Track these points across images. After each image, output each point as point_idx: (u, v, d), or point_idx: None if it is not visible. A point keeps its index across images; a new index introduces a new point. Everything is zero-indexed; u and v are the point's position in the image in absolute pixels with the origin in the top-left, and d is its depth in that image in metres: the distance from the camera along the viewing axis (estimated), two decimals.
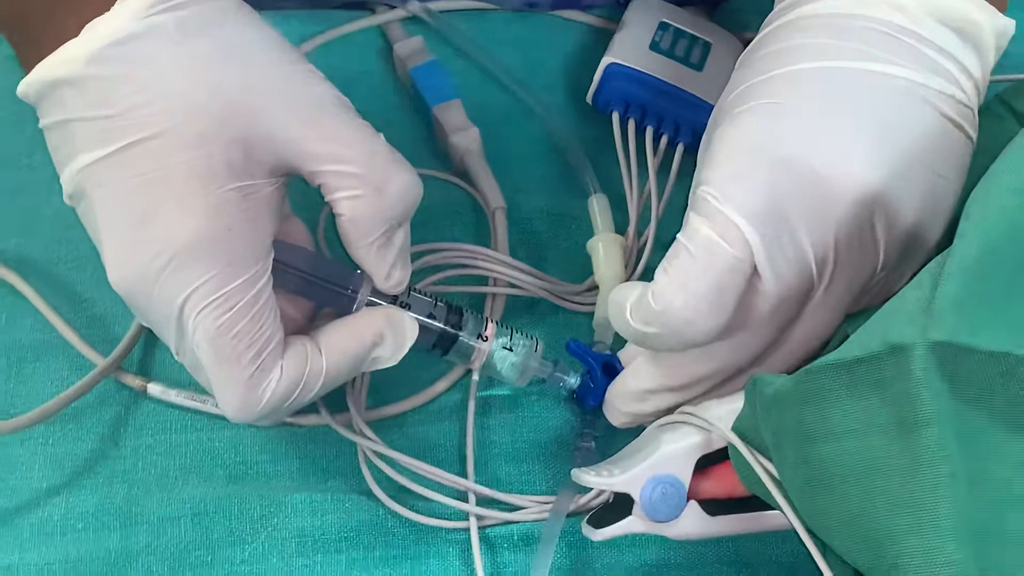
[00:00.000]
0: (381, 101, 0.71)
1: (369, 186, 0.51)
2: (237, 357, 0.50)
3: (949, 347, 0.40)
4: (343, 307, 0.56)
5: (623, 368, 0.59)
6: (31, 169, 0.68)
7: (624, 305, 0.52)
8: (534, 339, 0.60)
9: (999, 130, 0.56)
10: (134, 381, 0.62)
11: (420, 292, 0.58)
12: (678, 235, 0.51)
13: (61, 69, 0.48)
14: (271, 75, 0.51)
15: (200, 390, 0.62)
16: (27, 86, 0.50)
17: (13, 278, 0.64)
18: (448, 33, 0.73)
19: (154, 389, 0.62)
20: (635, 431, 0.57)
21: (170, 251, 0.49)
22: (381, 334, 0.54)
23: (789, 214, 0.49)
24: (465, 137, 0.68)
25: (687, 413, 0.53)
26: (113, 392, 0.63)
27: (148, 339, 0.64)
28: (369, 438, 0.60)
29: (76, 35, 0.48)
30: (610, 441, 0.61)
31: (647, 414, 0.57)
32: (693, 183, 0.52)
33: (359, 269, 0.55)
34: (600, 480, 0.52)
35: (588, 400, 0.60)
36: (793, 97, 0.51)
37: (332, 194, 0.51)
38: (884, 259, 0.51)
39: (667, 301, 0.50)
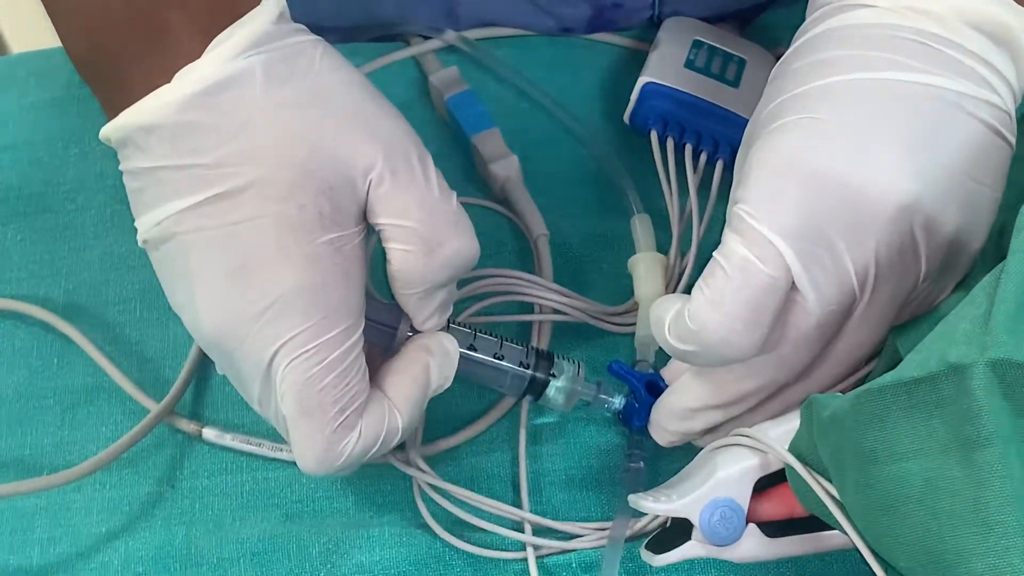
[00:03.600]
0: (419, 132, 0.70)
1: (421, 244, 0.51)
2: (322, 412, 0.50)
3: (1008, 365, 0.39)
4: (384, 342, 0.56)
5: (667, 386, 0.59)
6: (76, 213, 0.69)
7: (663, 320, 0.53)
8: (576, 363, 0.60)
9: None
10: (189, 426, 0.62)
11: (460, 324, 0.59)
12: (715, 253, 0.51)
13: (151, 116, 0.49)
14: (354, 121, 0.51)
15: (256, 432, 0.62)
16: (112, 131, 0.50)
17: (62, 324, 0.65)
18: (486, 61, 0.73)
19: (209, 434, 0.62)
20: (684, 451, 0.57)
21: (267, 300, 0.49)
22: (429, 366, 0.55)
23: (827, 230, 0.49)
24: (504, 165, 0.68)
25: (742, 435, 0.53)
26: (167, 435, 0.63)
27: (199, 381, 0.64)
28: (425, 471, 0.60)
29: (166, 80, 0.49)
30: (659, 461, 0.61)
31: (693, 432, 0.57)
32: (730, 200, 0.52)
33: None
34: (658, 506, 0.52)
35: (634, 420, 0.60)
36: (827, 111, 0.50)
37: (386, 242, 0.52)
38: (927, 269, 0.51)
39: (702, 321, 0.50)
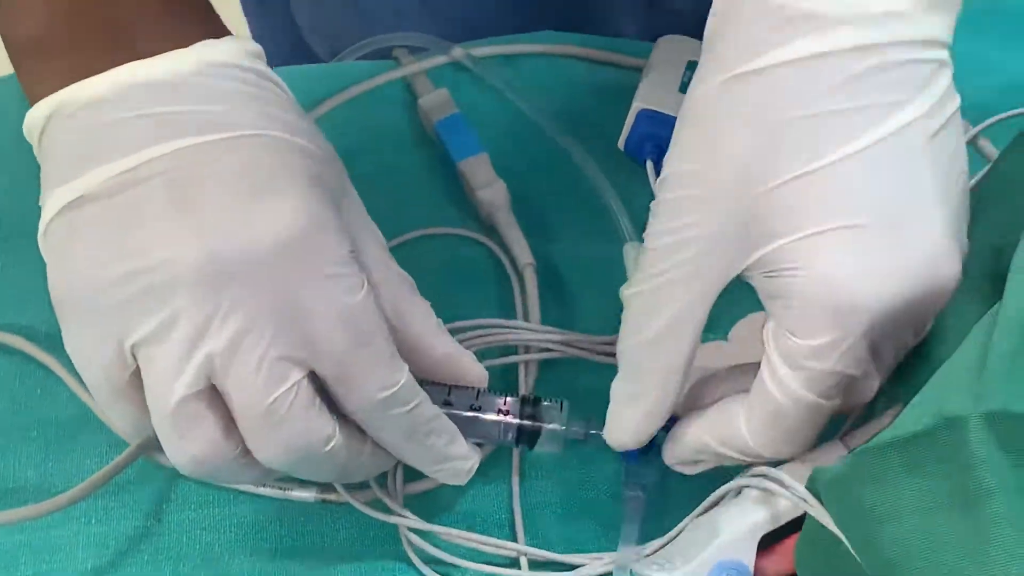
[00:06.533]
0: (408, 156, 0.70)
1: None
2: (374, 336, 0.50)
3: (1004, 416, 0.39)
4: None
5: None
6: None
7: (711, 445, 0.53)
8: (559, 402, 0.58)
9: None
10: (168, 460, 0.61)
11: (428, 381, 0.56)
12: (767, 378, 0.49)
13: (160, 72, 0.47)
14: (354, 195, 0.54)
15: None
16: (99, 85, 0.47)
17: (44, 356, 0.64)
18: (490, 79, 0.72)
19: None
20: (684, 481, 0.57)
21: (292, 228, 0.47)
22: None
23: (892, 336, 0.48)
24: (491, 192, 0.67)
25: (760, 476, 0.52)
26: (151, 468, 0.62)
27: None
28: (407, 517, 0.59)
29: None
30: (660, 489, 0.60)
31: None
32: (768, 311, 0.49)
33: None
34: (663, 575, 0.52)
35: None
36: (859, 209, 0.47)
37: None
38: None
39: (775, 451, 0.51)
